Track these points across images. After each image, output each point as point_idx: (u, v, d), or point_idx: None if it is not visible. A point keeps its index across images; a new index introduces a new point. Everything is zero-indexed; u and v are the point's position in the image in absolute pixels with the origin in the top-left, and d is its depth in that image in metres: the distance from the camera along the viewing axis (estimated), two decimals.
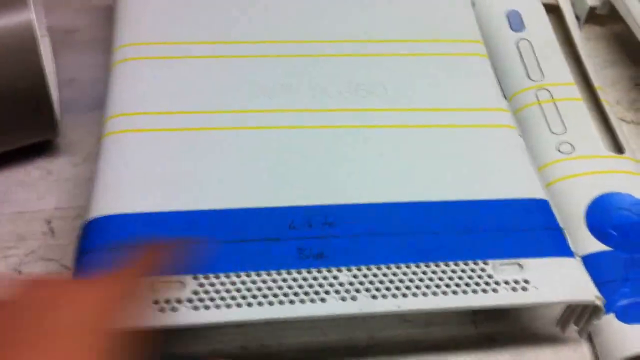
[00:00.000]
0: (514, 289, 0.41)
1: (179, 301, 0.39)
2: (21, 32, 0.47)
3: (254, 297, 0.40)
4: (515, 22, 0.61)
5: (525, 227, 0.44)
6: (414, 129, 0.50)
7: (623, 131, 0.55)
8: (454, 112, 0.51)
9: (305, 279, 0.41)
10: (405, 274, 0.41)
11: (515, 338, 0.45)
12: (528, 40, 0.59)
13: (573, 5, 0.65)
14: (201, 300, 0.40)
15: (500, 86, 0.55)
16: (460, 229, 0.44)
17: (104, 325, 0.30)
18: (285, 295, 0.40)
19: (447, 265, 0.42)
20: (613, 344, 0.44)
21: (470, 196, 0.46)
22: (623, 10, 0.60)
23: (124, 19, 0.55)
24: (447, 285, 0.41)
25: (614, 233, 0.48)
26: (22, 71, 0.47)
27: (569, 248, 0.44)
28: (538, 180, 0.48)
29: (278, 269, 0.41)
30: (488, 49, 0.57)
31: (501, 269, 0.42)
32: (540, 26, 0.61)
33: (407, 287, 0.41)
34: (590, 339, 0.45)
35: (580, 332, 0.44)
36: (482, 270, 0.42)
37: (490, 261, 0.42)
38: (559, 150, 0.52)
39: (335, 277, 0.41)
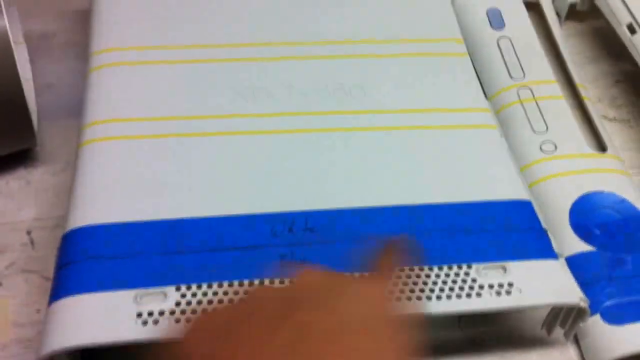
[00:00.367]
0: (498, 293, 0.41)
1: (161, 313, 0.39)
2: None
3: None
4: (496, 19, 0.60)
5: (509, 229, 0.44)
6: (393, 131, 0.49)
7: (605, 129, 0.55)
8: (434, 113, 0.51)
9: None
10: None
11: (502, 341, 0.45)
12: (509, 38, 0.59)
13: (553, 2, 0.64)
14: (183, 312, 0.39)
15: (482, 85, 0.54)
16: (443, 232, 0.44)
17: (393, 316, 0.31)
18: None
19: (430, 269, 0.42)
20: (599, 345, 0.44)
21: (452, 199, 0.46)
22: (603, 7, 0.60)
23: (100, 25, 0.54)
24: (432, 290, 0.41)
25: (598, 232, 0.47)
26: None
27: (552, 250, 0.44)
28: (521, 181, 0.48)
29: (261, 278, 0.41)
30: (468, 47, 0.56)
31: (485, 273, 0.42)
32: (520, 24, 0.61)
33: (391, 292, 0.40)
34: (576, 341, 0.45)
35: (566, 335, 0.44)
36: (466, 274, 0.42)
37: (474, 265, 0.42)
38: (542, 150, 0.52)
39: None
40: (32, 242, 0.48)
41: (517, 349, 0.45)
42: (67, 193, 0.46)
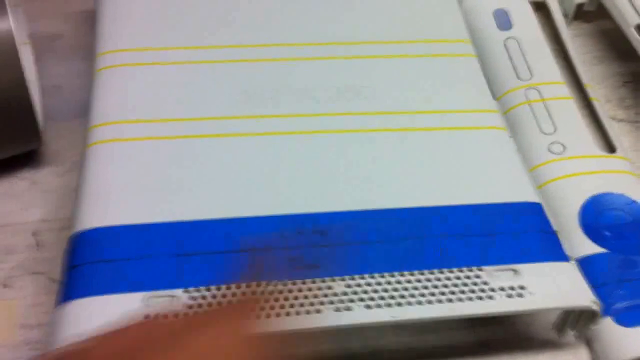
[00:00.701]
0: (509, 296, 0.41)
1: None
2: (0, 41, 0.46)
3: None
4: (503, 20, 0.60)
5: (519, 232, 0.44)
6: (401, 132, 0.49)
7: (614, 129, 0.55)
8: (442, 115, 0.50)
9: (300, 290, 0.40)
10: (399, 282, 0.41)
11: (512, 344, 0.45)
12: (516, 39, 0.59)
13: (561, 2, 0.64)
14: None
15: (489, 86, 0.54)
16: (453, 235, 0.43)
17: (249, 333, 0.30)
18: (282, 307, 0.39)
19: (441, 272, 0.41)
20: (611, 348, 0.43)
21: (461, 201, 0.45)
22: (610, 6, 0.59)
23: (105, 25, 0.54)
24: (442, 294, 0.40)
25: (609, 234, 0.47)
26: (3, 81, 0.46)
27: (563, 252, 0.43)
28: (530, 182, 0.47)
29: (270, 280, 0.40)
30: (476, 48, 0.56)
31: (496, 275, 0.42)
32: (528, 24, 0.60)
33: (402, 296, 0.40)
34: (588, 343, 0.45)
35: (577, 337, 0.44)
36: (477, 277, 0.41)
37: (485, 267, 0.42)
38: (550, 151, 0.51)
39: (329, 288, 0.40)
40: (38, 244, 0.48)
41: (527, 351, 0.45)
42: (73, 194, 0.46)
